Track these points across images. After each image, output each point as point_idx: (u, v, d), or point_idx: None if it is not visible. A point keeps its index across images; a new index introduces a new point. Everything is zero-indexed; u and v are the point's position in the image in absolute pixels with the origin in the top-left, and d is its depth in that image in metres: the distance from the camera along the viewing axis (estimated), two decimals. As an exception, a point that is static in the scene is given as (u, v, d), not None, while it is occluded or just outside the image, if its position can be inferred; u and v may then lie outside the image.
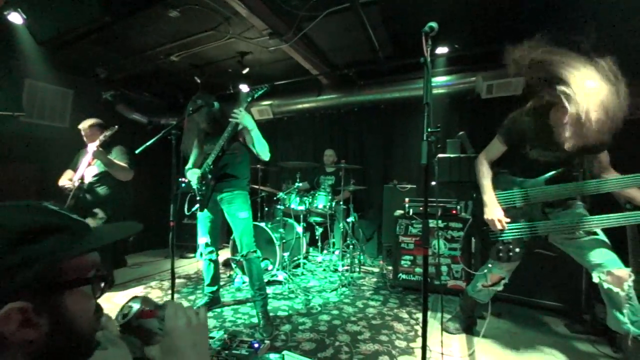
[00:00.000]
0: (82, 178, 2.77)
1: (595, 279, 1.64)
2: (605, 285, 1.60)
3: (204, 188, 2.37)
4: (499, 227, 1.79)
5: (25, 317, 0.45)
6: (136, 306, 0.64)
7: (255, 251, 2.36)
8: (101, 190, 2.82)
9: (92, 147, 2.61)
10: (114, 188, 2.86)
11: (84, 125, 2.83)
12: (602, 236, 1.67)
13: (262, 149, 2.30)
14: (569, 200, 1.76)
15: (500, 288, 2.00)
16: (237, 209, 2.36)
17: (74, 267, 0.52)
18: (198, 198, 2.39)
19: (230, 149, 2.37)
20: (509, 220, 1.80)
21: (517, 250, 1.79)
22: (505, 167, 1.91)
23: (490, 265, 1.97)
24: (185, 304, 0.74)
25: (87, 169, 2.78)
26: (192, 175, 2.40)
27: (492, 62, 3.53)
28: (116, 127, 2.67)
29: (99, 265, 0.57)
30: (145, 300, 0.66)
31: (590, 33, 2.64)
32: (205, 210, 2.43)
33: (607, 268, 1.59)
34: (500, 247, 1.83)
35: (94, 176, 2.80)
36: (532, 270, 2.38)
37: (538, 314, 2.49)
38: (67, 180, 2.80)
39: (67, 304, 0.50)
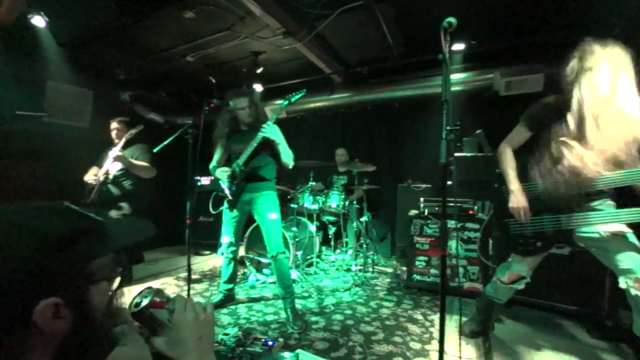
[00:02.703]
0: (106, 172, 2.88)
1: (623, 285, 1.56)
2: (633, 292, 1.52)
3: (233, 188, 2.39)
4: (523, 217, 1.73)
5: (56, 310, 0.49)
6: (149, 296, 0.67)
7: (283, 252, 2.39)
8: (126, 183, 2.93)
9: (114, 150, 2.75)
10: (137, 183, 2.97)
11: (114, 122, 3.02)
12: (631, 238, 1.59)
13: (288, 159, 2.36)
14: (596, 193, 1.65)
15: (521, 287, 1.93)
16: (267, 210, 2.39)
17: (97, 265, 0.56)
18: (228, 197, 2.42)
19: (261, 151, 2.39)
20: (531, 214, 1.75)
21: (539, 244, 1.73)
22: (529, 156, 1.85)
23: (510, 262, 1.92)
24: (199, 299, 0.76)
25: (111, 165, 2.88)
26: (222, 174, 2.41)
27: (512, 58, 3.44)
28: (142, 126, 2.83)
29: (116, 260, 0.61)
30: (158, 291, 0.69)
31: (611, 28, 2.54)
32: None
33: (636, 274, 1.52)
34: (522, 240, 1.77)
35: (119, 170, 2.91)
36: (551, 273, 2.31)
37: (557, 318, 2.41)
38: (92, 175, 2.93)
39: (89, 298, 0.54)
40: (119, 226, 0.68)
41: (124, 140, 2.80)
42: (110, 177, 2.88)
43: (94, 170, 3.00)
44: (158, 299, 0.67)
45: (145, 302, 0.66)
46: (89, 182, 2.92)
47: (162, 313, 0.67)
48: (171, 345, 0.65)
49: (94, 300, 0.55)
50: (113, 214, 2.92)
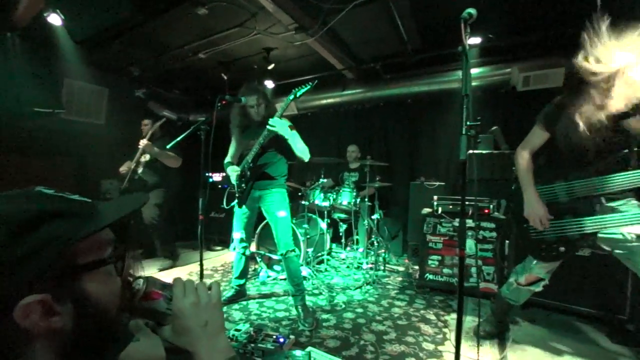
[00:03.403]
0: (137, 161, 3.21)
1: None
2: None
3: (242, 185, 2.39)
4: (539, 225, 1.68)
5: (46, 307, 0.44)
6: (140, 288, 0.60)
7: (293, 250, 2.38)
8: (158, 168, 3.25)
9: (142, 142, 3.11)
10: (167, 169, 3.31)
11: (145, 121, 3.42)
12: None
13: (301, 153, 2.30)
14: (621, 194, 1.58)
15: (539, 289, 1.87)
16: (276, 208, 2.38)
17: (87, 249, 0.49)
18: (237, 195, 2.43)
19: (270, 147, 2.38)
20: (552, 217, 1.69)
21: (562, 249, 1.67)
22: (546, 158, 1.78)
23: (527, 263, 1.86)
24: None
25: (141, 155, 3.23)
26: (232, 172, 2.44)
27: (529, 52, 3.34)
28: (164, 119, 3.25)
29: (115, 243, 0.54)
30: (149, 281, 0.61)
31: (636, 19, 2.43)
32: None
33: None
34: (543, 245, 1.71)
35: (150, 158, 3.25)
36: (571, 274, 2.24)
37: (576, 321, 2.32)
38: (126, 167, 3.30)
39: (88, 288, 0.48)
40: (111, 203, 0.60)
41: (150, 132, 3.13)
42: (142, 164, 3.20)
43: (127, 163, 3.32)
44: (151, 290, 0.60)
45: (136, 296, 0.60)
46: (122, 172, 3.27)
47: (159, 303, 0.60)
48: (177, 334, 0.61)
49: (94, 288, 0.49)
50: (153, 194, 3.28)
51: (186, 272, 3.50)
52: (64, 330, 0.46)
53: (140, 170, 3.23)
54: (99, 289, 0.50)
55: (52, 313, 0.44)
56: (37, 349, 0.45)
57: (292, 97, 2.21)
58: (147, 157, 3.23)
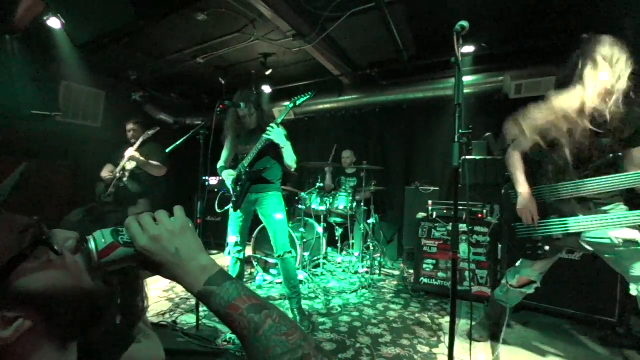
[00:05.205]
0: (123, 169, 3.05)
1: (634, 292, 1.54)
2: None
3: (238, 189, 2.42)
4: (531, 219, 1.72)
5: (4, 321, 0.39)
6: (89, 249, 0.52)
7: (290, 251, 2.40)
8: (143, 177, 3.09)
9: (130, 150, 2.94)
10: (153, 177, 3.13)
11: (130, 124, 3.18)
12: None
13: (291, 162, 2.36)
14: (605, 196, 1.62)
15: (531, 291, 1.92)
16: (273, 210, 2.40)
17: None
18: (233, 198, 2.45)
19: (267, 153, 2.41)
20: (539, 217, 1.74)
21: (547, 248, 1.72)
22: (533, 161, 1.84)
23: (519, 266, 1.90)
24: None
25: (127, 163, 3.06)
26: (228, 176, 2.45)
27: (521, 60, 3.42)
28: (158, 127, 3.03)
29: (30, 223, 0.46)
30: (95, 237, 0.53)
31: (624, 29, 2.52)
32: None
33: None
34: (529, 244, 1.76)
35: (135, 166, 3.08)
36: (562, 278, 2.28)
37: (567, 324, 2.37)
38: (108, 172, 3.11)
39: (27, 285, 0.42)
40: None
41: (140, 140, 2.97)
42: (127, 172, 3.05)
43: (109, 167, 3.17)
44: (103, 246, 0.53)
45: (93, 259, 0.52)
46: (105, 177, 3.10)
47: (120, 252, 0.54)
48: (153, 270, 0.57)
49: (32, 283, 0.43)
50: (132, 211, 3.07)
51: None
52: (42, 326, 0.43)
53: (125, 178, 3.07)
54: (43, 278, 0.44)
55: (8, 321, 0.40)
56: (26, 353, 0.42)
57: (291, 105, 2.26)
58: (132, 164, 3.06)
